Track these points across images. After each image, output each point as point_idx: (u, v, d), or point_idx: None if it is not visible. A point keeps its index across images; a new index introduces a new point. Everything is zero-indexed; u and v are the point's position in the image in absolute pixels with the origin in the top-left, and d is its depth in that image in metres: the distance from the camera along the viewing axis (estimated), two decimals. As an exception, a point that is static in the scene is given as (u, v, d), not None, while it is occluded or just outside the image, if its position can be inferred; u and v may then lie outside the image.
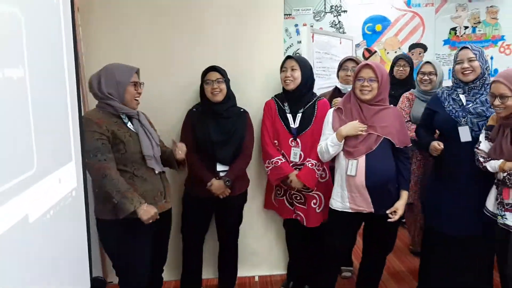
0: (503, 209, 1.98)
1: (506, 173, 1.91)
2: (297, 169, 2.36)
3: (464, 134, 2.22)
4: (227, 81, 2.31)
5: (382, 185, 2.08)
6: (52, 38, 1.27)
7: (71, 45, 1.38)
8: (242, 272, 2.72)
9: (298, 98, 2.37)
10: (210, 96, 2.28)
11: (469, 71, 2.21)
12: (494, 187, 2.07)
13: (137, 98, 1.97)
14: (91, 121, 1.82)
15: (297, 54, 5.00)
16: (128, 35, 2.43)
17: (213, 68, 2.29)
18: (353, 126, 2.09)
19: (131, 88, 1.92)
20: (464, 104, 2.23)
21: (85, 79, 2.19)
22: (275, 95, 2.49)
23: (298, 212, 2.42)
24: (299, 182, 2.32)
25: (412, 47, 5.25)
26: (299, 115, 2.37)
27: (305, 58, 2.48)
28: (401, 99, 2.98)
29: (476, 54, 2.20)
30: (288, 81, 2.33)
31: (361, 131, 2.07)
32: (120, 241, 1.90)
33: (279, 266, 2.82)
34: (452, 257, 2.36)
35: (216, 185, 2.27)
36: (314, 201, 2.40)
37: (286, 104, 2.41)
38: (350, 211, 2.14)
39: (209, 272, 2.72)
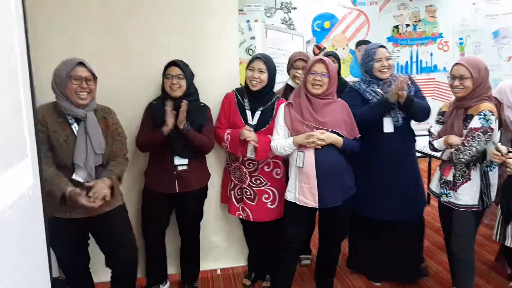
0: (446, 187, 2.15)
1: (453, 149, 2.06)
2: (252, 164, 2.40)
3: (388, 125, 2.40)
4: (188, 77, 2.30)
5: (331, 176, 2.15)
6: (2, 31, 1.20)
7: (23, 38, 1.31)
8: (204, 266, 2.73)
9: (260, 97, 2.41)
10: (169, 90, 2.27)
11: (386, 69, 2.39)
12: (438, 168, 2.25)
13: (80, 94, 1.85)
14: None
15: (250, 50, 5.06)
16: (81, 29, 2.33)
17: (174, 63, 2.28)
18: (309, 135, 2.12)
19: (70, 83, 1.82)
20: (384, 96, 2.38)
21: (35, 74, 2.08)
22: (236, 89, 2.51)
23: (245, 208, 2.45)
24: (252, 135, 2.30)
25: (359, 43, 5.48)
26: (258, 113, 2.41)
27: (271, 58, 2.48)
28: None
29: (390, 53, 2.41)
30: (254, 82, 2.35)
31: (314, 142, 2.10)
32: (59, 237, 1.83)
33: (240, 258, 2.86)
34: (379, 241, 2.55)
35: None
36: (266, 195, 2.42)
37: (246, 101, 2.43)
38: (298, 203, 2.21)
39: (172, 268, 2.70)
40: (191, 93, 2.33)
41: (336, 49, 5.42)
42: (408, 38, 5.57)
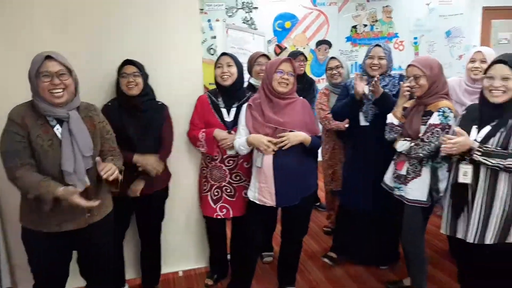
0: (399, 182, 2.24)
1: (413, 144, 2.14)
2: (232, 161, 2.41)
3: (362, 119, 2.55)
4: (144, 76, 2.27)
5: (288, 177, 2.19)
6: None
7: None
8: (166, 268, 2.70)
9: (232, 93, 2.43)
10: (125, 89, 2.22)
11: (376, 67, 2.48)
12: (392, 163, 2.33)
13: (54, 92, 1.66)
14: (12, 121, 1.65)
15: (212, 49, 5.05)
16: (29, 27, 2.24)
17: (129, 62, 2.24)
18: (260, 141, 2.15)
19: (40, 80, 1.64)
20: (367, 93, 2.48)
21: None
22: (209, 91, 2.54)
23: (225, 205, 2.46)
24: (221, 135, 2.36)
25: (319, 43, 5.58)
26: (233, 109, 2.43)
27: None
28: (318, 95, 3.19)
29: (386, 54, 2.48)
30: (225, 76, 2.38)
31: (265, 148, 2.13)
32: (43, 254, 1.79)
33: (202, 259, 2.85)
34: (360, 231, 2.68)
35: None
36: (245, 191, 2.44)
37: (220, 99, 2.45)
38: (258, 202, 2.24)
39: (132, 272, 2.65)
40: (147, 92, 2.31)
41: (297, 48, 5.49)
42: (366, 38, 5.72)
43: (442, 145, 1.85)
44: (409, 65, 2.21)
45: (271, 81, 2.20)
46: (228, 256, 2.73)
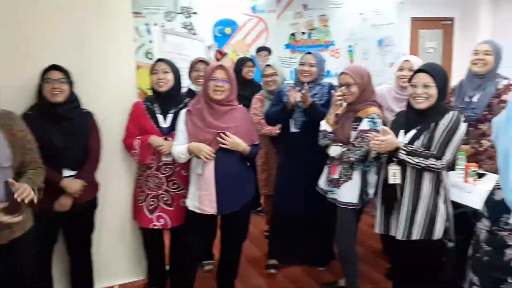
0: (332, 185, 2.32)
1: (345, 149, 2.22)
2: (168, 168, 2.36)
3: (292, 125, 2.63)
4: (70, 83, 2.16)
5: (230, 183, 2.18)
6: None
7: None
8: (100, 283, 2.56)
9: (169, 99, 2.39)
10: (49, 96, 2.09)
11: (307, 74, 2.55)
12: (325, 167, 2.42)
13: None
14: None
15: (150, 53, 4.93)
16: None
17: (55, 67, 2.12)
18: (199, 149, 2.11)
19: None
20: (299, 99, 2.55)
21: None
22: (145, 97, 2.49)
23: (162, 215, 2.38)
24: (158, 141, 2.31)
25: (259, 50, 5.64)
26: (170, 115, 2.38)
27: (173, 61, 2.48)
28: (253, 100, 3.21)
29: (317, 61, 2.56)
30: (161, 83, 2.33)
31: (205, 156, 2.10)
32: None
33: (139, 271, 2.74)
34: (293, 234, 2.74)
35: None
36: (183, 200, 2.37)
37: (156, 105, 2.39)
38: (197, 211, 2.21)
39: (60, 289, 2.49)
40: (73, 99, 2.20)
41: (237, 54, 5.51)
42: (304, 45, 5.88)
43: (371, 142, 1.94)
44: (341, 73, 2.30)
45: (207, 89, 2.19)
46: (167, 267, 2.66)
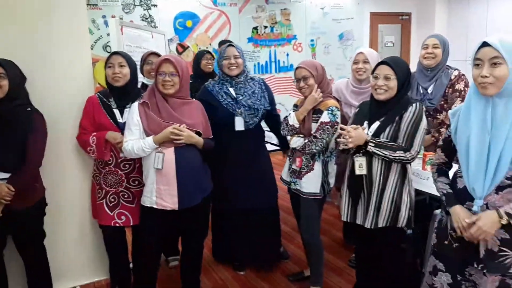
0: (294, 176, 2.34)
1: (307, 140, 2.23)
2: (128, 165, 2.29)
3: (239, 124, 2.57)
4: (11, 77, 2.01)
5: (190, 176, 2.15)
6: None
7: None
8: (60, 285, 2.48)
9: (125, 93, 2.30)
10: None
11: (234, 67, 2.53)
12: (287, 159, 2.44)
13: None
14: None
15: (108, 47, 4.77)
16: None
17: None
18: (166, 134, 2.06)
19: None
20: (235, 97, 2.56)
21: None
22: (100, 92, 2.37)
23: (124, 213, 2.32)
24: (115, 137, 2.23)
25: (221, 43, 5.58)
26: (127, 110, 2.28)
27: (129, 54, 2.38)
28: None
29: (239, 52, 2.55)
30: (117, 77, 2.23)
31: (177, 134, 2.05)
32: None
33: (101, 270, 2.67)
34: (239, 230, 2.74)
35: None
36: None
37: (111, 100, 2.30)
38: (156, 207, 2.15)
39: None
40: (14, 96, 2.04)
41: (199, 48, 5.45)
42: (266, 39, 5.90)
43: (339, 139, 1.97)
44: (297, 68, 2.31)
45: (156, 83, 2.14)
46: (131, 265, 2.59)
